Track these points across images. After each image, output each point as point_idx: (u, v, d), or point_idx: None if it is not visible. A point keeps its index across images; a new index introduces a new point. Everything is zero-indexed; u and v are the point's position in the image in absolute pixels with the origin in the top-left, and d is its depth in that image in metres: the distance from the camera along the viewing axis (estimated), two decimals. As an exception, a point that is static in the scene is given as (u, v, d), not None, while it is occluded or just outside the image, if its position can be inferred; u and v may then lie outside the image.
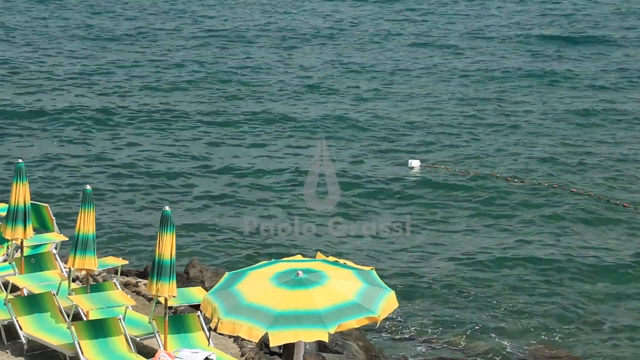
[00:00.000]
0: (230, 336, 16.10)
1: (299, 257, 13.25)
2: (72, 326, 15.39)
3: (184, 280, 20.72)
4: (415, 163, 32.24)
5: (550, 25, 54.30)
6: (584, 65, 45.43)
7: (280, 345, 15.52)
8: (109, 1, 60.53)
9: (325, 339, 11.56)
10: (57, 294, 16.62)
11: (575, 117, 37.28)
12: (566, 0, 59.87)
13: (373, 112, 38.59)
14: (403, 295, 23.21)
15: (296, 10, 59.50)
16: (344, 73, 44.78)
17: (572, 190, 29.78)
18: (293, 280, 11.96)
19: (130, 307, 16.54)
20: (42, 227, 19.08)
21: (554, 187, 30.08)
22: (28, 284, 17.00)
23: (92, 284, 17.44)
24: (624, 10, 57.12)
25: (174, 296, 15.23)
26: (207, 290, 15.36)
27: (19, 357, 16.10)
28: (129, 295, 17.63)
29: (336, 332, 11.86)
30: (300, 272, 12.07)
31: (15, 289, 17.06)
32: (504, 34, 52.59)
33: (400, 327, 22.04)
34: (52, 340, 15.83)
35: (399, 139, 35.26)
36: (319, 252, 13.23)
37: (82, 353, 15.24)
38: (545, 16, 56.58)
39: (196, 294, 16.47)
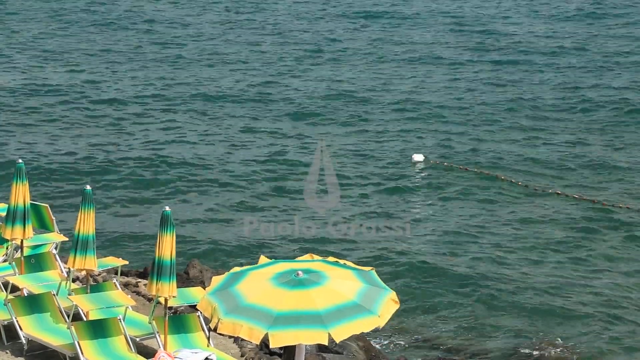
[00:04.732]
0: (230, 336, 16.09)
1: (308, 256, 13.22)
2: (72, 326, 15.38)
3: (184, 280, 20.72)
4: (418, 157, 32.20)
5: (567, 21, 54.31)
6: (602, 64, 45.37)
7: (281, 346, 15.50)
8: None
9: (325, 341, 11.53)
10: (57, 294, 16.61)
11: (587, 120, 37.07)
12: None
13: (376, 107, 38.63)
14: (403, 295, 23.20)
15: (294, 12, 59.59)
16: (344, 68, 44.80)
17: (575, 196, 29.75)
18: (293, 281, 11.94)
19: (130, 307, 16.53)
20: (42, 227, 19.06)
21: (557, 193, 30.04)
22: (28, 284, 17.00)
23: (92, 284, 17.43)
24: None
25: (174, 296, 15.23)
26: (206, 290, 15.33)
27: (19, 357, 16.09)
28: (129, 296, 17.62)
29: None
30: (300, 272, 12.04)
31: (15, 289, 17.05)
32: (516, 30, 52.61)
33: (400, 327, 22.03)
34: (52, 340, 15.83)
35: (402, 134, 35.27)
36: (310, 254, 13.20)
37: (82, 353, 15.23)
38: (566, 13, 56.57)
39: (196, 294, 16.45)
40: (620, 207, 28.91)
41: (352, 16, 56.62)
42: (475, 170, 31.47)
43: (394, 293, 12.39)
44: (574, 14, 56.63)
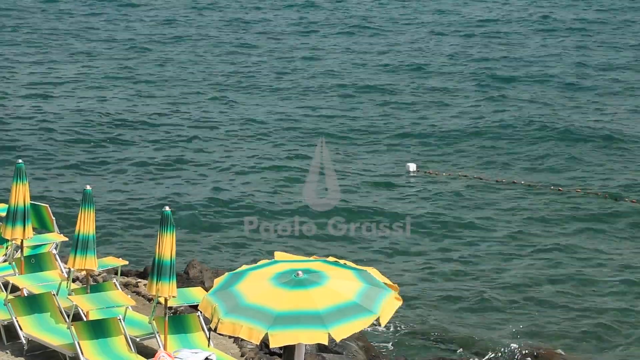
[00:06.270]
0: (230, 336, 16.09)
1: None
2: (72, 326, 15.39)
3: (184, 280, 20.72)
4: (413, 167, 32.25)
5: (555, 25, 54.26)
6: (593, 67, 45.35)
7: (281, 346, 15.50)
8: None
9: (325, 341, 11.54)
10: (57, 294, 16.61)
11: (585, 126, 36.99)
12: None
13: (373, 114, 38.61)
14: (403, 295, 23.11)
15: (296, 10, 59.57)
16: (343, 74, 44.82)
17: (578, 190, 29.76)
18: (293, 281, 11.94)
19: (130, 307, 16.53)
20: (42, 227, 19.07)
21: (559, 190, 30.03)
22: (28, 284, 17.00)
23: (92, 284, 17.43)
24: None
25: (174, 296, 15.23)
26: (207, 290, 15.37)
27: (19, 357, 16.09)
28: (129, 296, 17.63)
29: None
30: (300, 272, 12.05)
31: (15, 289, 17.06)
32: (511, 38, 52.60)
33: (400, 327, 22.03)
34: (52, 340, 15.83)
35: (399, 142, 35.26)
36: (314, 256, 13.21)
37: (82, 353, 15.23)
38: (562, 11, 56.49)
39: (196, 294, 16.46)
40: (625, 201, 28.96)
41: (343, 25, 56.45)
42: (472, 176, 31.47)
43: (394, 293, 12.40)
44: (571, 24, 56.50)
